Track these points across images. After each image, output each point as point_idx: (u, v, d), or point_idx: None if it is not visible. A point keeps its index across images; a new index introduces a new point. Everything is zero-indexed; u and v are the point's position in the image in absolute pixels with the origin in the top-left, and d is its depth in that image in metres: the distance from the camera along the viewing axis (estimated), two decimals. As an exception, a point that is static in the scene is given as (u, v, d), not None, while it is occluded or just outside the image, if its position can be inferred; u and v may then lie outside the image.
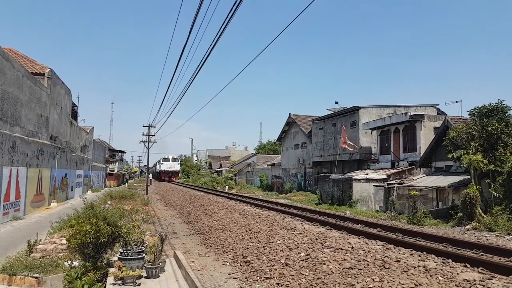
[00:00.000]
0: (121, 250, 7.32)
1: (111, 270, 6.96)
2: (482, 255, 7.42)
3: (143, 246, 7.51)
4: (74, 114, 31.65)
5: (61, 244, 9.36)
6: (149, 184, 38.92)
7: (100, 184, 45.11)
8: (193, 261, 8.63)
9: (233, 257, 8.71)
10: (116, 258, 7.20)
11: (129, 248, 7.18)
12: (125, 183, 58.34)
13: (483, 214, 14.27)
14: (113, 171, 58.19)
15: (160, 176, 75.75)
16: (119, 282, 6.47)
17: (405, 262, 6.38)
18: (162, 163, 75.15)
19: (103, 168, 48.45)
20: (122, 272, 6.48)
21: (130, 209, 10.20)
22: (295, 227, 10.26)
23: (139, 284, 6.48)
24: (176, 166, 75.84)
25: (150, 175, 51.51)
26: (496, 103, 16.08)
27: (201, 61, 10.59)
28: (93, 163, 39.84)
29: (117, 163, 67.04)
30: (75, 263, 7.47)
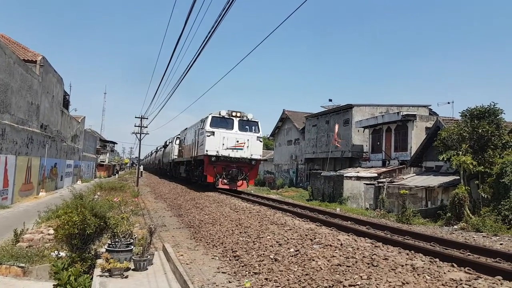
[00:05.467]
0: (109, 241, 7.27)
1: (99, 261, 6.90)
2: (469, 255, 7.49)
3: (132, 238, 7.47)
4: (66, 103, 31.27)
5: (49, 234, 9.27)
6: (140, 176, 38.68)
7: (90, 175, 44.75)
8: (182, 255, 8.58)
9: (222, 251, 8.70)
10: (104, 250, 7.15)
11: (117, 240, 7.13)
12: (115, 174, 57.93)
13: (471, 215, 14.43)
14: (103, 162, 57.79)
15: (197, 170, 23.10)
16: (106, 274, 6.43)
17: (393, 260, 6.42)
18: (208, 135, 19.12)
19: (93, 158, 48.04)
20: (109, 264, 6.43)
21: (119, 200, 10.12)
22: (285, 222, 10.27)
23: (126, 277, 6.44)
24: (255, 147, 19.92)
25: (141, 167, 51.15)
26: (488, 105, 16.20)
27: (196, 53, 10.39)
28: (84, 153, 39.47)
29: (108, 154, 66.55)
30: (62, 254, 7.40)
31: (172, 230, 12.04)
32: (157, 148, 59.38)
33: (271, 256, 7.49)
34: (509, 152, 15.26)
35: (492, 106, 16.09)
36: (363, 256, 6.67)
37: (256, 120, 20.20)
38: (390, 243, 7.85)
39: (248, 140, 19.40)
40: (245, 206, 13.66)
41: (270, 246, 8.15)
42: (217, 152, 18.95)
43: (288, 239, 8.44)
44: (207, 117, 19.68)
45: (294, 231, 9.09)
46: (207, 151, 18.87)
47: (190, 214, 14.16)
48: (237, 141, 19.26)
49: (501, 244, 10.07)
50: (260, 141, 19.82)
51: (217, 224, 11.31)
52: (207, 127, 19.16)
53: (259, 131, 20.09)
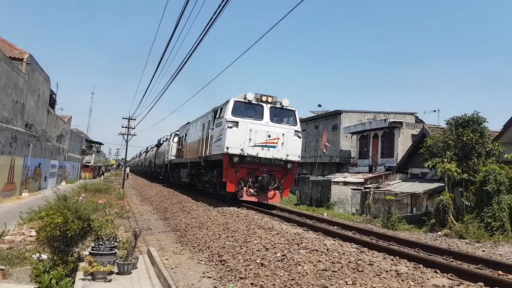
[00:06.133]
0: (92, 244, 7.15)
1: (81, 264, 6.78)
2: (452, 261, 7.59)
3: (116, 242, 7.36)
4: (52, 102, 30.77)
5: (30, 236, 9.08)
6: (126, 178, 38.26)
7: (75, 176, 44.05)
8: (167, 259, 8.50)
9: (208, 255, 8.64)
10: (87, 253, 7.03)
11: (101, 243, 7.01)
12: (101, 176, 57.17)
13: (454, 222, 14.65)
14: (89, 162, 56.95)
15: (208, 175, 17.45)
16: (89, 277, 6.31)
17: (378, 266, 6.46)
18: (229, 126, 13.99)
19: (79, 159, 47.34)
20: (92, 267, 6.32)
21: (104, 202, 9.97)
22: (272, 227, 10.26)
23: (109, 280, 6.34)
24: (292, 145, 14.77)
25: (128, 169, 50.56)
26: (472, 114, 16.52)
27: (187, 55, 10.38)
28: (69, 154, 38.87)
29: (93, 155, 65.63)
30: (44, 256, 7.25)
31: (158, 233, 11.92)
32: (147, 148, 52.06)
33: (258, 261, 7.46)
34: (492, 160, 15.57)
35: (476, 115, 16.42)
36: (349, 262, 6.70)
37: (293, 109, 15.34)
38: (375, 249, 7.91)
39: (283, 135, 14.56)
40: (232, 210, 13.61)
41: (257, 250, 8.13)
42: (242, 150, 13.99)
43: (275, 243, 8.42)
44: (227, 102, 14.95)
45: (281, 236, 9.09)
46: (227, 148, 13.91)
47: (176, 217, 14.04)
48: (269, 136, 14.34)
49: (483, 251, 10.24)
50: (299, 137, 15.04)
51: (204, 228, 11.24)
52: (228, 116, 14.20)
53: (296, 123, 15.21)
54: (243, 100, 14.65)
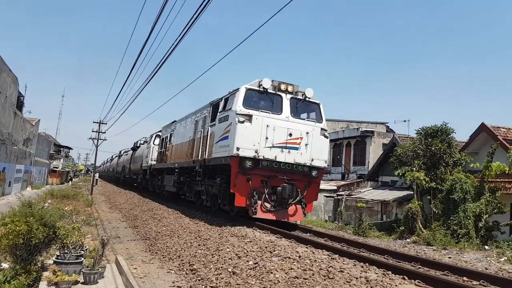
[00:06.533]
0: (57, 253, 6.87)
1: (45, 274, 6.49)
2: (419, 268, 7.77)
3: (83, 250, 7.10)
4: (20, 105, 29.60)
5: (-10, 245, 8.62)
6: (95, 184, 37.22)
7: (42, 181, 42.46)
8: (135, 268, 8.27)
9: (179, 264, 8.47)
10: (52, 262, 6.75)
11: (66, 251, 6.75)
12: (69, 182, 55.35)
13: (423, 229, 15.05)
14: (57, 167, 55.10)
15: (205, 184, 14.08)
16: (53, 287, 6.06)
17: (348, 273, 6.53)
18: (241, 121, 11.19)
19: (46, 164, 45.68)
20: (56, 276, 6.06)
21: (71, 209, 9.63)
22: (246, 234, 10.20)
23: (74, 290, 6.10)
24: (317, 147, 11.97)
25: (97, 175, 49.10)
26: (441, 125, 17.16)
27: (162, 58, 10.20)
28: (36, 158, 37.45)
29: (62, 160, 63.53)
30: (5, 265, 6.89)
31: (127, 242, 11.61)
32: (120, 152, 47.06)
33: (229, 269, 7.37)
34: (459, 169, 16.18)
35: (444, 126, 17.06)
36: (320, 269, 6.74)
37: (318, 101, 12.65)
38: (346, 256, 8.00)
39: (307, 133, 11.77)
40: (205, 218, 13.45)
41: (229, 258, 8.04)
42: (256, 152, 11.15)
43: (247, 251, 8.37)
44: (235, 90, 12.07)
45: (254, 243, 9.04)
46: (238, 149, 10.99)
47: (146, 225, 13.73)
48: (290, 135, 11.54)
49: (449, 257, 10.55)
50: (326, 137, 12.28)
51: (175, 236, 11.03)
52: (239, 107, 11.38)
53: (322, 119, 12.49)
54: (258, 88, 11.85)
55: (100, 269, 6.74)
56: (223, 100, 13.00)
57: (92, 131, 37.23)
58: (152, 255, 9.68)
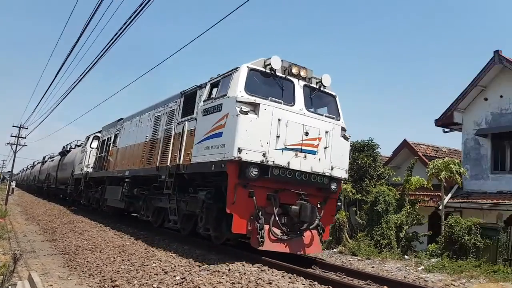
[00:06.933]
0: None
1: None
2: (344, 277, 8.04)
3: (-13, 267, 6.31)
4: None
5: None
6: (11, 193, 33.85)
7: None
8: (51, 285, 7.61)
9: (100, 281, 7.89)
10: None
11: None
12: (-20, 191, 49.59)
13: (349, 239, 15.71)
14: (-34, 175, 49.24)
15: (178, 200, 10.15)
16: None
17: (276, 284, 6.53)
18: (244, 111, 8.01)
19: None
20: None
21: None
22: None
23: (-28, 315, 5.35)
24: (337, 151, 9.17)
25: (14, 184, 44.60)
26: (367, 140, 18.29)
27: (93, 61, 9.51)
28: None
29: (-27, 167, 57.01)
30: None
31: (43, 256, 10.64)
32: (44, 157, 40.65)
33: (155, 285, 7.03)
34: (382, 182, 17.27)
35: (370, 141, 18.21)
36: (249, 281, 6.67)
37: (334, 93, 10.00)
38: (275, 267, 8.01)
39: (326, 133, 9.03)
40: (131, 231, 12.77)
41: (154, 274, 7.68)
42: (265, 155, 8.14)
43: (175, 266, 8.07)
44: (234, 70, 8.85)
45: (183, 257, 8.75)
46: (239, 151, 7.91)
47: (66, 239, 12.71)
48: (306, 134, 8.66)
49: (372, 267, 11.08)
50: (347, 139, 9.73)
51: (97, 250, 10.32)
52: (240, 92, 8.33)
53: (340, 116, 9.80)
54: (263, 70, 8.82)
55: (10, 287, 6.08)
56: (208, 86, 9.71)
57: (11, 136, 33.99)
58: (71, 271, 8.99)
